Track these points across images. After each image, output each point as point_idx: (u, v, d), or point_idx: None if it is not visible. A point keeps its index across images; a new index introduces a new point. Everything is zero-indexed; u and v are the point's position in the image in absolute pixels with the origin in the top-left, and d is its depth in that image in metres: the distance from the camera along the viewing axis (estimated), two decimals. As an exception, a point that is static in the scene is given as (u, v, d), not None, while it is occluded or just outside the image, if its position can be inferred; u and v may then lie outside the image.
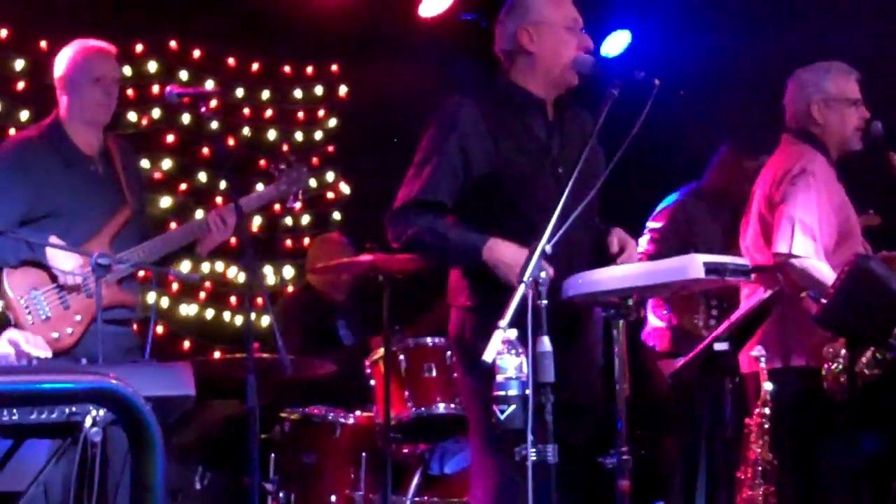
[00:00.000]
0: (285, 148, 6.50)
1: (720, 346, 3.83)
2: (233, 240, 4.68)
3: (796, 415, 4.14)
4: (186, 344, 6.18)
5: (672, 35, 6.15)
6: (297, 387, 5.26)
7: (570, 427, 3.21)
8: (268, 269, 6.46)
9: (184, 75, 6.22)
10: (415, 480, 4.83)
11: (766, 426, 3.98)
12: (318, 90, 6.71)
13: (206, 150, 6.29)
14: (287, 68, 6.63)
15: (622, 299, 3.25)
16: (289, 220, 6.60)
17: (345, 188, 6.77)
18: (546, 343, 2.93)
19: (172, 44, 6.24)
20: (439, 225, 3.42)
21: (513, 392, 2.89)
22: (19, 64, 5.77)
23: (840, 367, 3.99)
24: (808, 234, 4.12)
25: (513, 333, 2.89)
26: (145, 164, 5.91)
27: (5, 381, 1.76)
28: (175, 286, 6.12)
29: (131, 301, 4.19)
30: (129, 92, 6.01)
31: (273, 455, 4.91)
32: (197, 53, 6.31)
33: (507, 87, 3.58)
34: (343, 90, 6.76)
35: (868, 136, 4.38)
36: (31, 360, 3.13)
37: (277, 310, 5.74)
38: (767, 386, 3.99)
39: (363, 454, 4.80)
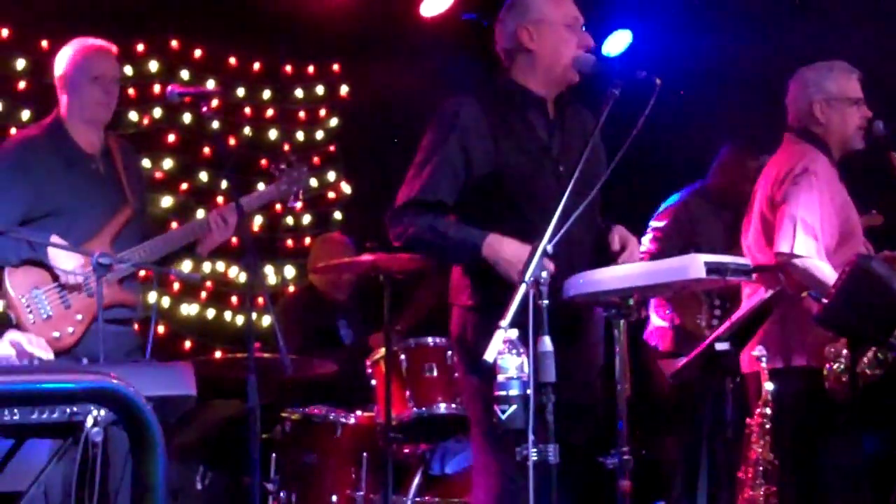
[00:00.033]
0: (286, 147, 6.50)
1: (721, 346, 3.82)
2: (234, 239, 4.67)
3: (797, 415, 4.13)
4: (187, 344, 6.18)
5: (673, 34, 6.15)
6: (297, 387, 5.26)
7: (571, 427, 3.21)
8: (269, 269, 6.46)
9: (185, 75, 6.22)
10: (416, 480, 4.82)
11: (768, 426, 3.98)
12: (320, 90, 6.72)
13: (207, 150, 6.29)
14: (288, 68, 6.63)
15: (623, 299, 3.25)
16: (290, 220, 6.60)
17: (346, 188, 6.77)
18: (547, 343, 2.93)
19: (174, 43, 6.24)
20: (439, 223, 3.41)
21: (514, 392, 2.89)
22: (20, 63, 5.77)
23: (842, 367, 3.99)
24: (810, 233, 4.12)
25: (514, 333, 2.89)
26: (146, 163, 5.90)
27: (6, 380, 1.76)
28: (176, 286, 6.12)
29: (132, 300, 4.19)
30: (131, 91, 6.01)
31: (274, 455, 4.91)
32: (198, 53, 6.31)
33: (507, 85, 3.58)
34: (344, 90, 6.76)
35: (870, 135, 4.38)
36: (33, 361, 3.13)
37: (278, 309, 5.74)
38: (768, 386, 3.98)
39: (364, 454, 4.80)
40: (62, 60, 4.21)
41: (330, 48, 6.63)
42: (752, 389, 4.13)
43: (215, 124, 5.48)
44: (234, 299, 6.37)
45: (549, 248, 2.99)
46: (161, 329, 5.82)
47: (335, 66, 6.74)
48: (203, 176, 6.31)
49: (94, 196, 4.14)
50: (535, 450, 2.91)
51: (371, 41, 6.44)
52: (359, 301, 5.97)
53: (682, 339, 5.10)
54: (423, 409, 4.72)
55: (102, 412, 2.62)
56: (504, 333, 2.87)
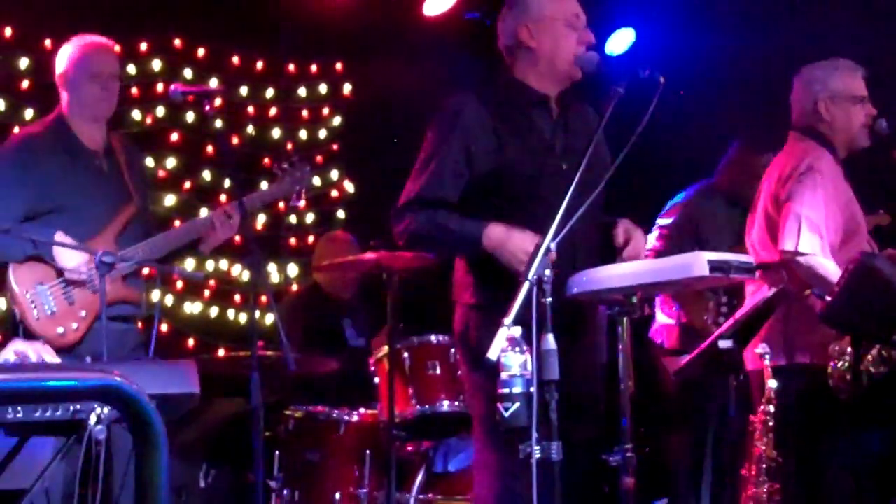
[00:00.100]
0: (289, 146, 6.51)
1: (724, 344, 3.82)
2: (237, 238, 4.68)
3: (800, 412, 4.13)
4: (191, 342, 6.19)
5: (677, 32, 6.14)
6: (301, 385, 5.26)
7: (574, 425, 3.21)
8: (272, 267, 6.46)
9: (188, 73, 6.23)
10: (419, 478, 4.82)
11: (771, 423, 3.97)
12: (323, 88, 6.72)
13: (210, 149, 6.29)
14: (291, 66, 6.64)
15: (626, 297, 3.24)
16: (293, 219, 6.60)
17: (349, 186, 6.77)
18: (550, 341, 2.93)
19: (177, 42, 6.24)
20: (440, 216, 3.42)
21: (517, 390, 2.89)
22: (23, 62, 5.77)
23: (846, 365, 3.98)
24: (815, 231, 4.12)
25: (517, 331, 2.89)
26: (150, 162, 5.91)
27: (10, 378, 1.76)
28: (179, 284, 6.13)
29: (135, 297, 4.19)
30: (134, 90, 6.02)
31: (277, 452, 4.91)
32: (201, 52, 6.31)
33: (509, 83, 3.57)
34: (347, 88, 6.76)
35: (873, 133, 4.37)
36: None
37: (282, 308, 5.74)
38: (772, 383, 3.98)
39: (367, 452, 4.80)
40: (62, 58, 4.22)
41: (333, 47, 6.63)
42: (756, 387, 4.12)
43: (218, 123, 5.48)
44: (237, 297, 6.37)
45: (553, 246, 2.99)
46: (164, 327, 5.83)
47: (338, 65, 6.75)
48: (206, 175, 6.31)
49: (97, 193, 4.15)
50: (538, 447, 2.91)
51: (374, 40, 6.44)
52: (364, 300, 5.96)
53: (687, 337, 5.10)
54: (427, 406, 4.72)
55: (105, 410, 2.63)
56: (507, 331, 2.87)
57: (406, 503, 4.73)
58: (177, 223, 5.43)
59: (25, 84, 5.78)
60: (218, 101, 5.08)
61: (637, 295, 3.25)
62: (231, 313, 6.35)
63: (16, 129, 5.42)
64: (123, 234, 4.14)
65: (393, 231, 3.51)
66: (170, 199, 6.17)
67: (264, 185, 5.25)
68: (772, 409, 3.96)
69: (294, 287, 6.45)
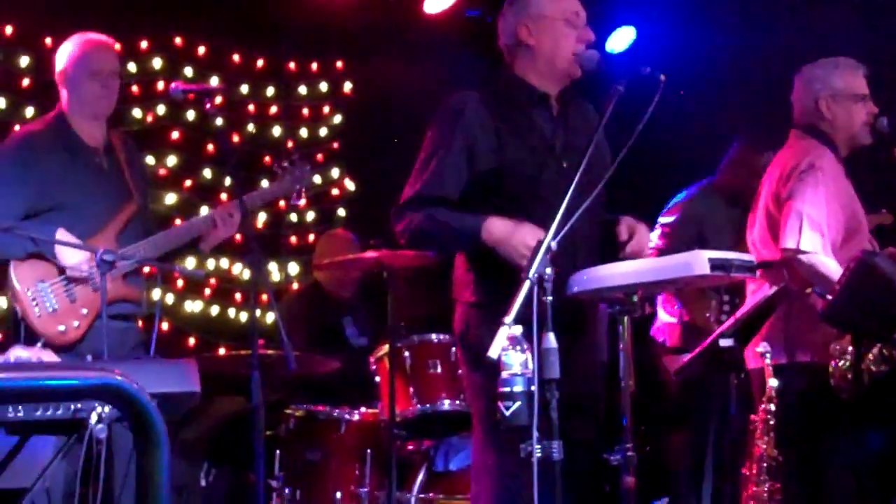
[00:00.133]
0: (290, 144, 6.50)
1: (725, 343, 3.82)
2: (238, 236, 4.67)
3: (801, 411, 4.13)
4: (191, 340, 6.18)
5: (677, 31, 6.14)
6: (302, 383, 5.26)
7: (575, 424, 3.20)
8: (273, 266, 6.46)
9: (188, 72, 6.22)
10: (420, 477, 4.82)
11: (772, 422, 3.97)
12: (323, 86, 6.72)
13: (210, 147, 6.29)
14: (292, 65, 6.63)
15: (627, 295, 3.24)
16: (294, 217, 6.60)
17: (350, 184, 6.77)
18: (551, 339, 2.93)
19: (177, 40, 6.24)
20: (438, 213, 3.42)
21: (518, 388, 2.88)
22: (24, 60, 5.77)
23: (847, 363, 3.98)
24: (816, 229, 4.11)
25: (518, 329, 2.88)
26: (150, 160, 5.91)
27: (11, 377, 1.76)
28: (180, 283, 6.13)
29: (136, 295, 4.19)
30: (134, 88, 6.01)
31: (278, 451, 4.91)
32: (202, 50, 6.30)
33: (510, 81, 3.57)
34: (348, 86, 6.76)
35: (874, 132, 4.37)
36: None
37: (283, 306, 5.74)
38: (773, 382, 3.97)
39: (368, 451, 4.80)
40: (62, 56, 4.22)
41: (333, 45, 6.63)
42: (757, 385, 4.12)
43: (219, 121, 5.47)
44: (238, 296, 6.37)
45: (554, 245, 2.99)
46: (165, 326, 5.82)
47: (339, 63, 6.74)
48: (207, 173, 6.31)
49: (98, 191, 4.15)
50: (538, 446, 2.91)
51: (375, 38, 6.44)
52: (364, 298, 5.96)
53: (690, 335, 5.09)
54: (427, 405, 4.72)
55: (106, 409, 2.62)
56: (508, 330, 2.86)
57: (407, 502, 4.73)
58: (177, 221, 5.43)
59: (26, 82, 5.78)
60: (218, 100, 5.09)
61: (638, 293, 3.25)
62: (232, 312, 6.34)
63: (16, 127, 5.42)
64: (124, 233, 4.13)
65: (394, 229, 3.51)
66: (170, 198, 6.16)
67: (265, 183, 5.26)
68: (773, 407, 3.96)
69: (295, 286, 6.45)
